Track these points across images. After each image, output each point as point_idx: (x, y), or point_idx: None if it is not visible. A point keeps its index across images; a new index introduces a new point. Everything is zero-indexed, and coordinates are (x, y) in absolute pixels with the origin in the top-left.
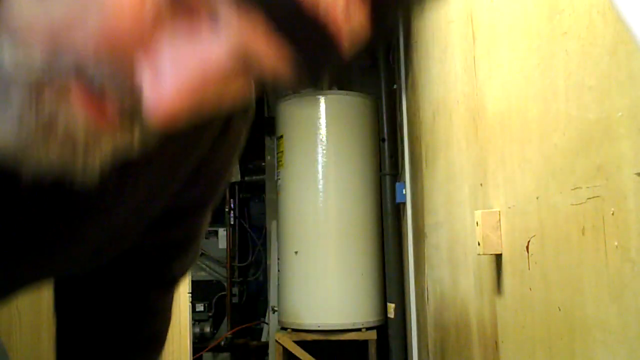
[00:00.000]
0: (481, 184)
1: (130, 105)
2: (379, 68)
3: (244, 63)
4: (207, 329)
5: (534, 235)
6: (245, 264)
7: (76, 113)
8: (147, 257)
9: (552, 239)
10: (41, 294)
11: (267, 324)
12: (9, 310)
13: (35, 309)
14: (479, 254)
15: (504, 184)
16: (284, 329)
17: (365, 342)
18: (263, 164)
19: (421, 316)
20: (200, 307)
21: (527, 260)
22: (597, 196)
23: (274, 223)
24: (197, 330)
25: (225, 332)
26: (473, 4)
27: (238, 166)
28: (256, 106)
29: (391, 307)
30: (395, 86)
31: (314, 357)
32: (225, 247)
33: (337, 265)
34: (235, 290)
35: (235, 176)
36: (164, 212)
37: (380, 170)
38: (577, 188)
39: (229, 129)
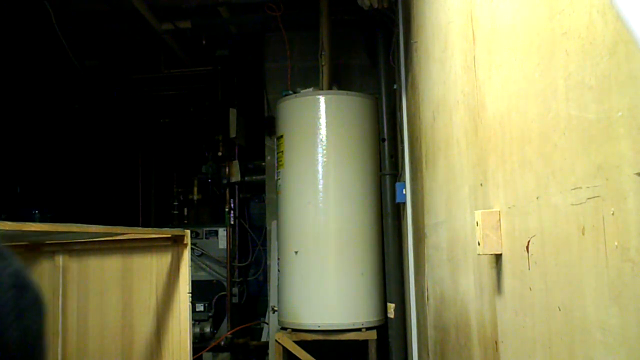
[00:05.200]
0: (481, 184)
1: None
2: (379, 68)
3: None
4: (207, 329)
5: (534, 235)
6: (245, 264)
7: None
8: None
9: (552, 239)
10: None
11: (267, 324)
12: None
13: None
14: (479, 254)
15: (504, 184)
16: (284, 329)
17: (365, 342)
18: (263, 164)
19: (421, 316)
20: (200, 307)
21: (527, 260)
22: (597, 196)
23: (274, 223)
24: (197, 330)
25: (225, 332)
26: (473, 4)
27: (238, 166)
28: (256, 106)
29: (391, 307)
30: (395, 86)
31: (314, 357)
32: (225, 247)
33: (337, 265)
34: (235, 290)
35: (235, 176)
36: None
37: (380, 170)
38: (577, 188)
39: None
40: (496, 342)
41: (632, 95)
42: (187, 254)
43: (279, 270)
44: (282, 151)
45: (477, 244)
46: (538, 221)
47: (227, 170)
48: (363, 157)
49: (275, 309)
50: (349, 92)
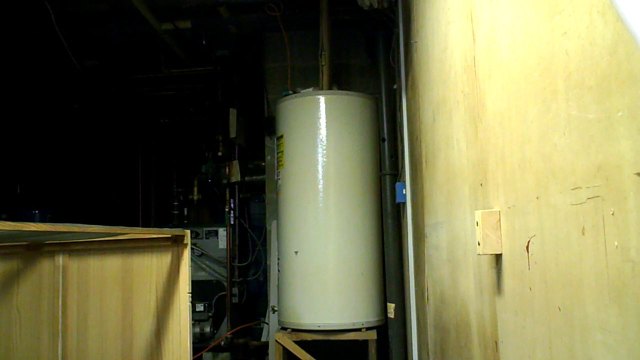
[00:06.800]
0: (481, 184)
1: None
2: (379, 68)
3: None
4: (207, 329)
5: (534, 235)
6: (245, 264)
7: None
8: None
9: (552, 239)
10: (41, 294)
11: (267, 324)
12: (9, 310)
13: (35, 309)
14: (479, 254)
15: (504, 184)
16: (284, 329)
17: (365, 342)
18: (263, 164)
19: (421, 316)
20: (200, 307)
21: (527, 260)
22: (597, 196)
23: (274, 223)
24: (197, 330)
25: (225, 332)
26: (473, 4)
27: (238, 166)
28: (256, 106)
29: (391, 307)
30: (395, 86)
31: (314, 357)
32: (225, 247)
33: (337, 265)
34: (235, 290)
35: (235, 176)
36: None
37: (380, 170)
38: (577, 188)
39: None
40: (496, 342)
41: (632, 95)
42: (187, 254)
43: (279, 270)
44: (282, 151)
45: (477, 244)
46: (538, 221)
47: (227, 170)
48: (363, 157)
49: (275, 309)
50: (349, 92)
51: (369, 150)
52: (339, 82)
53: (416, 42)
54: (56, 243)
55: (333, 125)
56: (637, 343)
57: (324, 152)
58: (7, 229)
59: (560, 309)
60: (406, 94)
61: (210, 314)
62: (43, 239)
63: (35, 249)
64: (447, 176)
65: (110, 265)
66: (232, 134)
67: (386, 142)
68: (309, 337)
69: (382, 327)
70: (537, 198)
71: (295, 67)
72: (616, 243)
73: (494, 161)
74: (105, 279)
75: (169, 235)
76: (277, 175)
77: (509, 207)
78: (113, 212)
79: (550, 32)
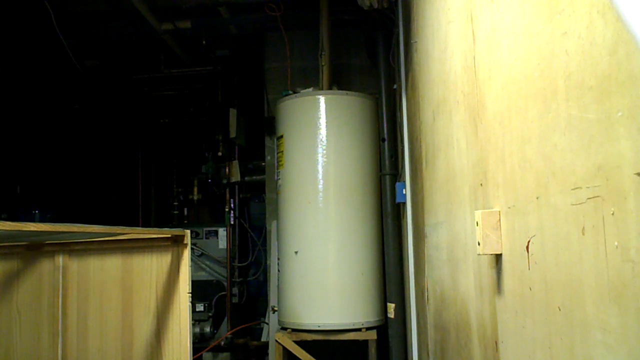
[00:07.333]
0: (481, 184)
1: None
2: (379, 68)
3: None
4: (207, 329)
5: (534, 235)
6: (245, 264)
7: None
8: None
9: (552, 239)
10: (41, 294)
11: (267, 324)
12: (9, 310)
13: (35, 308)
14: (479, 254)
15: (504, 184)
16: (284, 329)
17: (365, 342)
18: (263, 164)
19: (421, 316)
20: (200, 307)
21: (527, 260)
22: (597, 196)
23: (274, 223)
24: (197, 330)
25: (225, 332)
26: (473, 4)
27: (238, 166)
28: (256, 106)
29: (391, 307)
30: (395, 86)
31: (314, 357)
32: (225, 247)
33: (337, 265)
34: (235, 290)
35: (235, 176)
36: None
37: (380, 170)
38: (577, 188)
39: None
40: (496, 342)
41: (632, 95)
42: (187, 254)
43: (279, 270)
44: (282, 151)
45: (477, 244)
46: (538, 221)
47: (227, 170)
48: (363, 157)
49: (275, 309)
50: (349, 92)
51: (369, 150)
52: (339, 82)
53: (416, 42)
54: (56, 243)
55: (333, 125)
56: (637, 343)
57: (324, 152)
58: (7, 229)
59: (560, 309)
60: (406, 94)
61: (210, 314)
62: (43, 239)
63: (35, 249)
64: (447, 176)
65: (110, 265)
66: (232, 134)
67: (386, 142)
68: (309, 337)
69: (382, 327)
70: (537, 198)
71: (295, 67)
72: (616, 243)
73: (494, 161)
74: (105, 279)
75: (169, 235)
76: (277, 175)
77: (509, 207)
78: (113, 212)
79: (550, 32)
